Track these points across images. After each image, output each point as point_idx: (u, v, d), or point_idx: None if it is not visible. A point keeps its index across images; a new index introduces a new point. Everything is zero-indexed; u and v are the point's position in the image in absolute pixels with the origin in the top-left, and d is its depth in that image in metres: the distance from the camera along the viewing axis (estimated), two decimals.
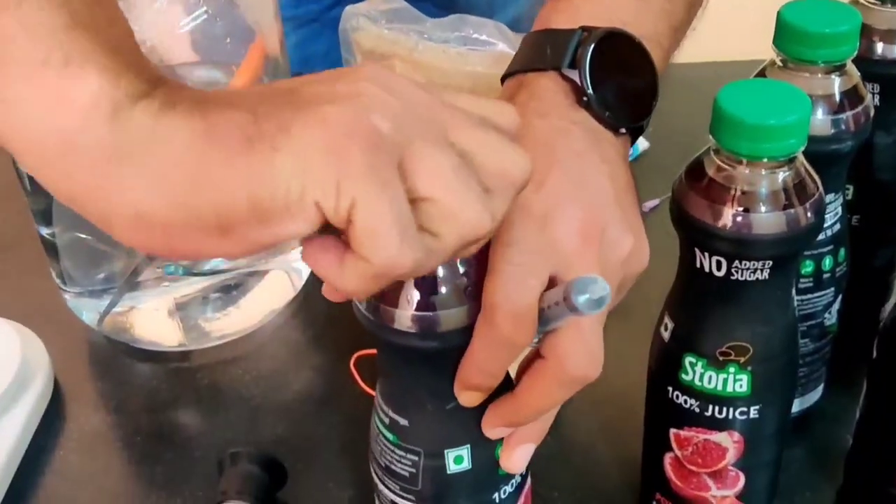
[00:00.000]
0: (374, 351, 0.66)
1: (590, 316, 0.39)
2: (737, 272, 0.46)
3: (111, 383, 0.70)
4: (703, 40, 1.15)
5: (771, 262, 0.46)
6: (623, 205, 0.46)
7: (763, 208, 0.45)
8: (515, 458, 0.46)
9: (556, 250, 0.43)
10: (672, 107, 0.94)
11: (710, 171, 0.46)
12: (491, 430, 0.45)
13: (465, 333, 0.42)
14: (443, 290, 0.41)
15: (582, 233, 0.43)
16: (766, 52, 0.89)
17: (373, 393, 0.65)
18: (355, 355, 0.68)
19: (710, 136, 0.46)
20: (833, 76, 0.52)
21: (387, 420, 0.46)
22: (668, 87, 0.97)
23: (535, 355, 0.43)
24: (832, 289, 0.57)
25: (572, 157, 0.45)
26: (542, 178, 0.44)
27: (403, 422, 0.46)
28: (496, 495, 0.47)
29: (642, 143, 0.89)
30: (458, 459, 0.46)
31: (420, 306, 0.41)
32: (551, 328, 0.42)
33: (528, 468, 0.49)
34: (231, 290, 0.71)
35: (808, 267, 0.55)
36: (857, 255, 0.58)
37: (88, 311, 0.71)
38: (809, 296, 0.56)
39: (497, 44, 0.57)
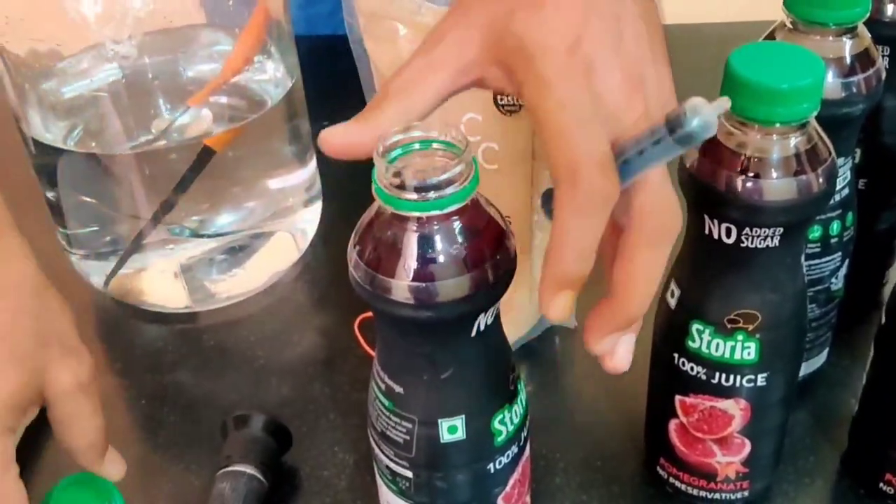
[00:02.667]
0: None
1: (661, 170, 0.37)
2: (747, 239, 0.43)
3: (117, 345, 0.67)
4: (703, 2, 1.12)
5: (782, 229, 0.42)
6: (655, 48, 0.42)
7: (775, 174, 0.42)
8: (559, 306, 0.39)
9: (603, 105, 0.39)
10: (677, 67, 0.91)
11: (721, 136, 0.43)
12: (598, 342, 0.40)
13: (462, 304, 0.39)
14: (440, 260, 0.38)
15: (625, 85, 0.39)
16: (771, 12, 0.86)
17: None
18: (359, 318, 0.65)
19: None
20: (844, 39, 0.49)
21: (383, 386, 0.44)
22: (674, 48, 0.94)
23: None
24: (839, 254, 0.54)
25: (606, 2, 0.41)
26: (579, 33, 0.39)
27: (399, 389, 0.43)
28: (491, 466, 0.45)
29: None
30: (452, 429, 0.43)
31: (417, 276, 0.39)
32: (626, 186, 0.38)
33: (525, 440, 0.46)
34: (236, 252, 0.69)
35: (815, 232, 0.52)
36: (862, 218, 0.55)
37: (94, 273, 0.68)
38: (817, 261, 0.53)
39: None
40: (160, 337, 0.67)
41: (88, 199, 0.66)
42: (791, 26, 0.49)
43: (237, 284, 0.69)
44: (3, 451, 0.43)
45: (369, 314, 0.65)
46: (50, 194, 0.66)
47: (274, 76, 0.66)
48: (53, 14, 0.56)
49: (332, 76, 0.73)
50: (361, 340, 0.64)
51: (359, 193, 0.76)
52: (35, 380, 0.44)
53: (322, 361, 0.65)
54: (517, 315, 0.62)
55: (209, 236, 0.68)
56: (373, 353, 0.63)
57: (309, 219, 0.72)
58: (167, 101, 0.64)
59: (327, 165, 0.75)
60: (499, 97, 0.54)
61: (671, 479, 0.52)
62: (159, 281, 0.68)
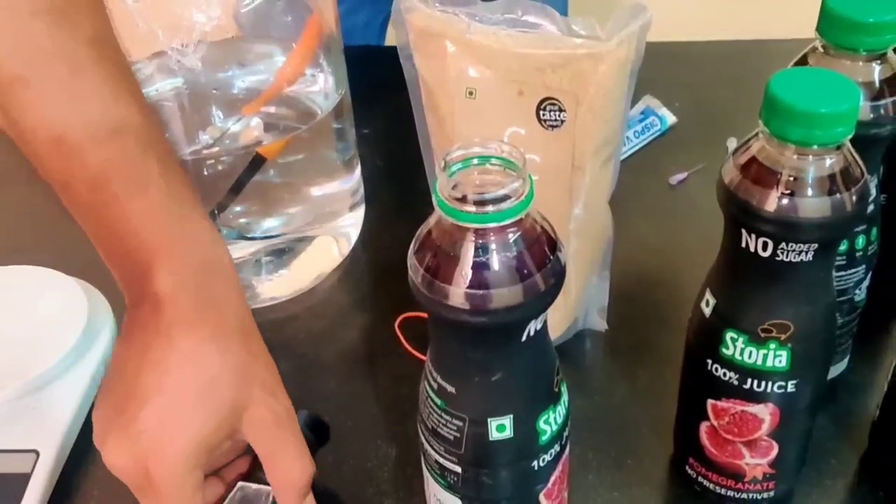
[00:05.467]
0: (416, 314, 0.65)
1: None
2: (782, 253, 0.44)
3: None
4: (726, 19, 1.12)
5: (816, 245, 0.43)
6: None
7: (811, 193, 0.42)
8: None
9: None
10: (698, 83, 0.92)
11: (759, 156, 0.44)
12: None
13: (514, 310, 0.40)
14: (495, 269, 0.40)
15: None
16: (782, 30, 0.87)
17: (416, 353, 0.64)
18: (399, 317, 0.66)
19: (760, 121, 0.44)
20: (874, 64, 0.49)
21: (435, 385, 0.45)
22: (694, 64, 0.95)
23: None
24: (863, 266, 0.54)
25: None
26: None
27: (451, 389, 0.44)
28: (535, 463, 0.46)
29: (670, 118, 0.86)
30: (500, 428, 0.44)
31: (473, 284, 0.40)
32: None
33: (566, 440, 0.47)
34: (282, 255, 0.70)
35: (842, 246, 0.53)
36: (884, 232, 0.56)
37: None
38: (842, 273, 0.54)
39: (545, 25, 0.54)
40: None
41: None
42: (823, 50, 0.50)
43: (283, 285, 0.70)
44: (194, 486, 0.45)
45: (409, 314, 0.66)
46: None
47: (324, 88, 0.67)
48: (124, 26, 0.57)
49: (367, 84, 0.74)
50: (402, 339, 0.65)
51: (398, 199, 0.78)
52: (232, 420, 0.46)
53: (365, 359, 0.66)
54: (550, 319, 0.63)
55: (256, 238, 0.69)
56: (412, 351, 0.64)
57: (352, 223, 0.73)
58: (221, 110, 0.65)
59: (368, 172, 0.76)
60: (541, 112, 0.55)
61: (700, 479, 0.53)
62: None
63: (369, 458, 0.58)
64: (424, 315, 0.43)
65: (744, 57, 0.96)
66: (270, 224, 0.69)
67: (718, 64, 0.96)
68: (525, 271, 0.40)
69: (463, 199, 0.39)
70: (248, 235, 0.69)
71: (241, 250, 0.69)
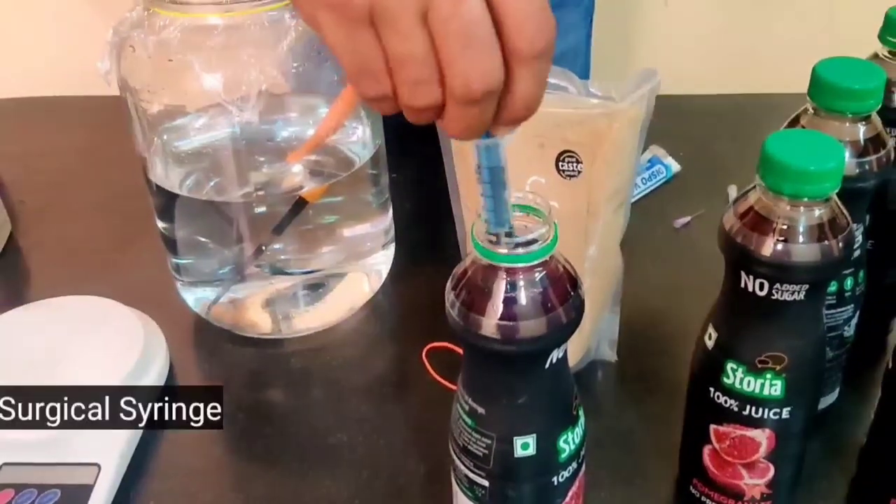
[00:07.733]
0: (442, 344, 0.69)
1: None
2: (777, 293, 0.48)
3: (217, 364, 0.72)
4: (727, 75, 1.17)
5: (807, 286, 0.47)
6: None
7: (802, 240, 0.46)
8: None
9: None
10: (700, 134, 0.97)
11: (757, 206, 0.48)
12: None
13: (539, 340, 0.44)
14: (523, 303, 0.44)
15: None
16: (777, 85, 0.91)
17: (442, 380, 0.68)
18: (426, 347, 0.70)
19: (757, 176, 0.48)
20: (859, 125, 0.53)
21: (466, 407, 0.48)
22: (698, 117, 1.00)
23: None
24: (852, 305, 0.58)
25: None
26: None
27: (481, 410, 0.48)
28: (555, 478, 0.49)
29: (674, 166, 0.91)
30: (524, 446, 0.47)
31: (503, 316, 0.44)
32: None
33: (583, 458, 0.51)
34: (317, 289, 0.74)
35: (832, 287, 0.56)
36: (871, 274, 0.59)
37: (196, 299, 0.74)
38: (832, 311, 0.58)
39: (565, 87, 0.59)
40: (254, 359, 0.72)
41: (196, 236, 0.72)
42: (814, 112, 0.54)
43: (317, 317, 0.74)
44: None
45: (435, 344, 0.70)
46: (164, 228, 0.72)
47: (362, 138, 0.72)
48: (189, 84, 0.62)
49: (396, 131, 0.77)
50: (429, 367, 0.69)
51: (426, 239, 0.82)
52: None
53: (395, 384, 0.69)
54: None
55: (293, 273, 0.73)
56: (439, 378, 0.68)
57: (383, 261, 0.77)
58: (270, 157, 0.70)
59: (398, 213, 0.80)
60: (560, 163, 0.60)
61: (703, 498, 0.56)
62: (251, 310, 0.73)
63: (401, 474, 0.62)
64: (450, 346, 0.47)
65: (742, 110, 1.00)
66: (308, 261, 0.73)
67: (719, 116, 1.00)
68: (549, 305, 0.44)
69: (496, 242, 0.43)
70: (286, 271, 0.73)
71: (279, 284, 0.73)
